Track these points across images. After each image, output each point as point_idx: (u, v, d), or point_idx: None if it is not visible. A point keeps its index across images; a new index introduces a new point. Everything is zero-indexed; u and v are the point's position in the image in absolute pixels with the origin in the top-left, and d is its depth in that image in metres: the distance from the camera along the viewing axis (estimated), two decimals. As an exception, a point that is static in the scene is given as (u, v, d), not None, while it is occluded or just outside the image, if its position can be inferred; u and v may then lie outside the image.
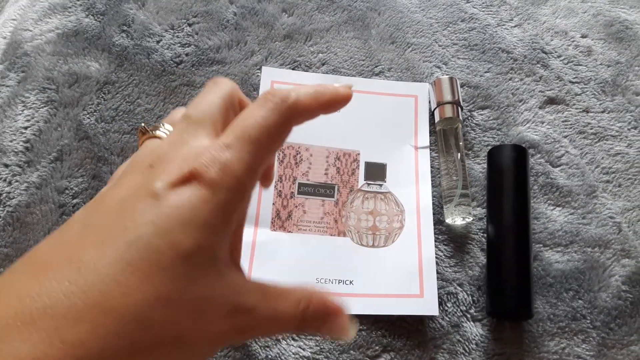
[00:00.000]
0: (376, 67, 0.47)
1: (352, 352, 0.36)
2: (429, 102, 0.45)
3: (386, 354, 0.36)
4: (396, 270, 0.38)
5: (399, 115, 0.45)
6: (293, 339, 0.36)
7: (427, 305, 0.37)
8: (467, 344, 0.37)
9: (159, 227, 0.18)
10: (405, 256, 0.39)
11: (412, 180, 0.42)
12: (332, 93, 0.26)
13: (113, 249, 0.17)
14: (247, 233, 0.40)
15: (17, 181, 0.40)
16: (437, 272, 0.39)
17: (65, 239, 0.19)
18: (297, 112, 0.24)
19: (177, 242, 0.18)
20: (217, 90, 0.25)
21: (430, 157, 0.43)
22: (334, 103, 0.25)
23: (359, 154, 0.43)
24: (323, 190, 0.42)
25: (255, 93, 0.45)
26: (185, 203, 0.19)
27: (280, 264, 0.39)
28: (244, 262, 0.39)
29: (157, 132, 0.25)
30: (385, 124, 0.44)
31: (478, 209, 0.41)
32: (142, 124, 0.28)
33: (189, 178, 0.19)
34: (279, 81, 0.45)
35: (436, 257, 0.39)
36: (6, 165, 0.41)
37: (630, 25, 0.50)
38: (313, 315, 0.20)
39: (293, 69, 0.46)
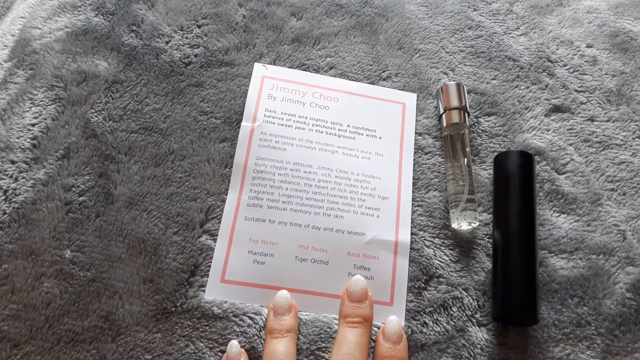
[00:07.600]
0: (383, 72, 0.47)
1: (357, 354, 0.36)
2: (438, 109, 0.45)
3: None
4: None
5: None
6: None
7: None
8: (472, 348, 0.37)
9: None
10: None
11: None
12: None
13: None
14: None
15: (23, 178, 0.40)
16: (443, 277, 0.39)
17: None
18: None
19: None
20: None
21: (437, 162, 0.43)
22: None
23: None
24: None
25: (263, 95, 0.45)
26: None
27: None
28: None
29: None
30: None
31: (484, 214, 0.41)
32: None
33: None
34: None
35: (442, 262, 0.39)
36: (13, 162, 0.41)
37: (635, 36, 0.50)
38: None
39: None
